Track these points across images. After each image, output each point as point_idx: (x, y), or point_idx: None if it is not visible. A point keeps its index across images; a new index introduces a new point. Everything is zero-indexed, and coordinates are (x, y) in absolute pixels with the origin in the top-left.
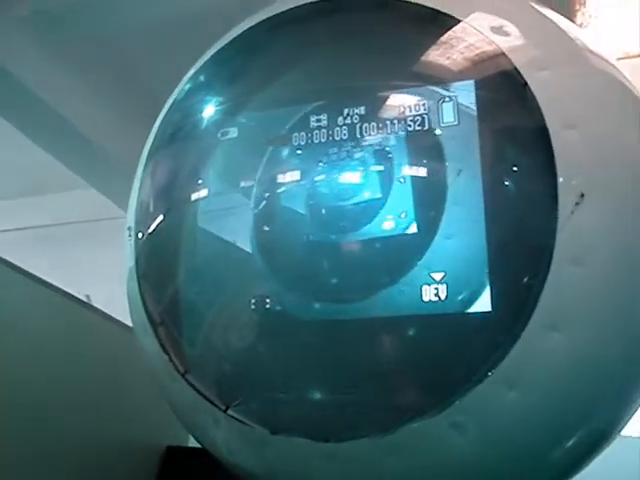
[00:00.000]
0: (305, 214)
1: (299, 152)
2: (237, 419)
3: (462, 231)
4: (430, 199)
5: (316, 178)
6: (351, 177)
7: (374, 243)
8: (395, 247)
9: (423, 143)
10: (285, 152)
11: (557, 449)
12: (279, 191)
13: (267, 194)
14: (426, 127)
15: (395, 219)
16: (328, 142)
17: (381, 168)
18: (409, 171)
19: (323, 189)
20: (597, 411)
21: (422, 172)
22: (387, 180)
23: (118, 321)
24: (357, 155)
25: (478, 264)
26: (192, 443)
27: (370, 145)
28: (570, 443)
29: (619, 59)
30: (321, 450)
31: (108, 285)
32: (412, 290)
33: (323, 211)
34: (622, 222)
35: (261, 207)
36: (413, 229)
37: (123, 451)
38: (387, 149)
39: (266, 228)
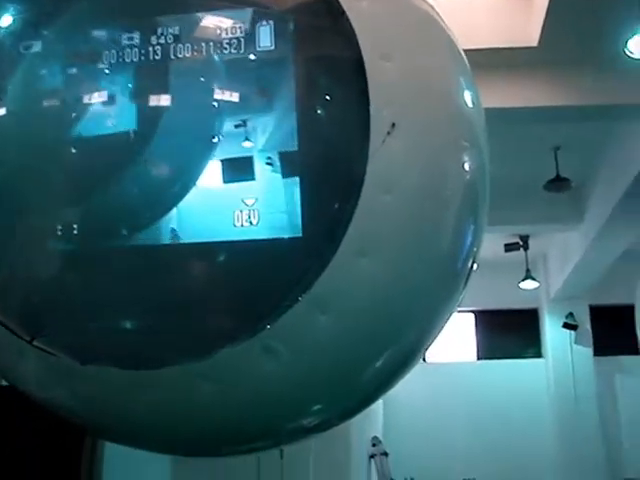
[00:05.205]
0: (109, 136)
1: (107, 71)
2: (44, 350)
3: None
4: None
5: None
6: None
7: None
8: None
9: (238, 67)
10: (93, 70)
11: (367, 370)
12: (86, 112)
13: (74, 114)
14: (242, 50)
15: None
16: (140, 62)
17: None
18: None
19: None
20: (404, 332)
21: (235, 98)
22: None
23: None
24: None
25: (290, 191)
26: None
27: (185, 69)
28: (379, 364)
29: None
30: (132, 378)
31: None
32: (223, 215)
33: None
34: (430, 152)
35: (68, 129)
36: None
37: None
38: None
39: (73, 150)
